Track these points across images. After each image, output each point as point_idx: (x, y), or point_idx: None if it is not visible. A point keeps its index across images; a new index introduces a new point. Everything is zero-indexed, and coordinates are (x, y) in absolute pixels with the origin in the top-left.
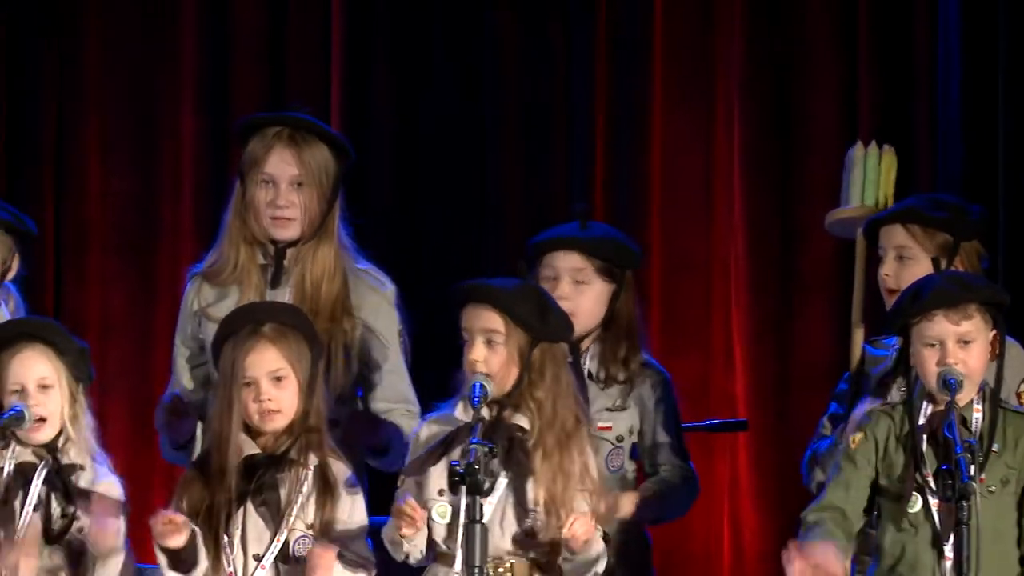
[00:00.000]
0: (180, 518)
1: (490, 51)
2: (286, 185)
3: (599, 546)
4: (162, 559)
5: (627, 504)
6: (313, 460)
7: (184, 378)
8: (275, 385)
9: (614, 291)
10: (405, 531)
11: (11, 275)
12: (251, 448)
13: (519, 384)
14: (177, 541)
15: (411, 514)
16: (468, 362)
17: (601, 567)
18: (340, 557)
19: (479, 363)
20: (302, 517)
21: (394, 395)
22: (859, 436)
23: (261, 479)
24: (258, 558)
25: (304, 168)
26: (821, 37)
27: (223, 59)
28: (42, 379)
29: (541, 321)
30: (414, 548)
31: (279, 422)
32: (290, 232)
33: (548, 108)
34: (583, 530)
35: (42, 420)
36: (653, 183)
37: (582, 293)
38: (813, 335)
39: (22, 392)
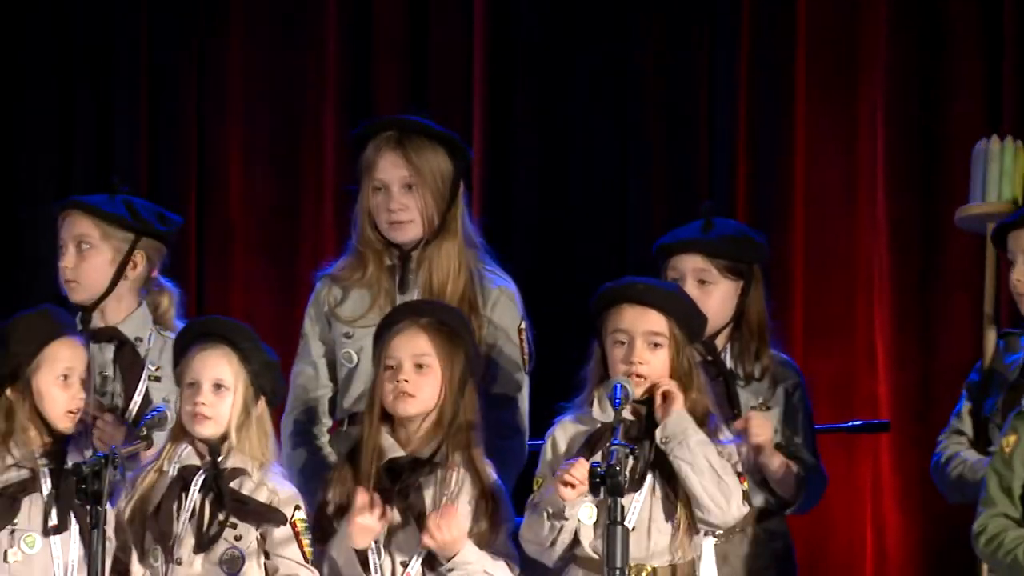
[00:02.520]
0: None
1: (634, 54)
2: (398, 188)
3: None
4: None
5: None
6: (459, 460)
7: (320, 366)
8: (417, 371)
9: (742, 287)
10: (566, 492)
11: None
12: (395, 451)
13: None
14: (366, 543)
15: (575, 476)
16: (628, 364)
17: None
18: (486, 548)
19: (643, 366)
20: None
21: (504, 402)
22: (1012, 438)
23: (404, 482)
24: (405, 564)
25: (413, 169)
26: (965, 35)
27: (365, 63)
28: (218, 380)
29: (696, 324)
30: (565, 530)
31: (412, 408)
32: (409, 235)
33: (691, 108)
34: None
35: (206, 418)
36: (796, 182)
37: (708, 294)
38: (956, 335)
39: (195, 387)
